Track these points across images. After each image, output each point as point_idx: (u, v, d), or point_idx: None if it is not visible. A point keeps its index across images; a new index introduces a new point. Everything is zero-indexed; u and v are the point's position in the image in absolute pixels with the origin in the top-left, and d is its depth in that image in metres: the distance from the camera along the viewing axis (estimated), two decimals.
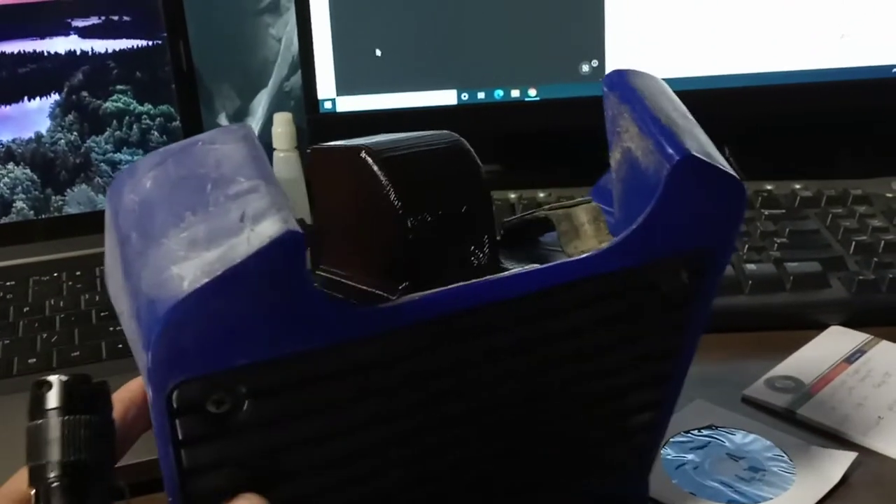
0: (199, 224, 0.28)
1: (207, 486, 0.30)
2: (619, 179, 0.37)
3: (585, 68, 0.77)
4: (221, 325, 0.27)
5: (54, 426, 0.29)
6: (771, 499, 0.45)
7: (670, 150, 0.34)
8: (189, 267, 0.27)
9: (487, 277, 0.33)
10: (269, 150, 0.78)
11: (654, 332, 0.39)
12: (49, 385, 0.29)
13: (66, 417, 0.29)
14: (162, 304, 0.26)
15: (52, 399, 0.29)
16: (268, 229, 0.27)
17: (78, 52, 0.72)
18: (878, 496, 0.47)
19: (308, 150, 0.39)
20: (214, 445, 0.30)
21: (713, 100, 0.78)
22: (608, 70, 0.77)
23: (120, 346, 0.57)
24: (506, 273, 0.34)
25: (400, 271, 0.33)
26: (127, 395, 0.33)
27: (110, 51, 0.72)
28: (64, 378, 0.29)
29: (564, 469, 0.41)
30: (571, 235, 0.36)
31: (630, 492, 0.44)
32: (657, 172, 0.34)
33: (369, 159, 0.33)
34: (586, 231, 0.35)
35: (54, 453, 0.28)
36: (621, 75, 0.38)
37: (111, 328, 0.59)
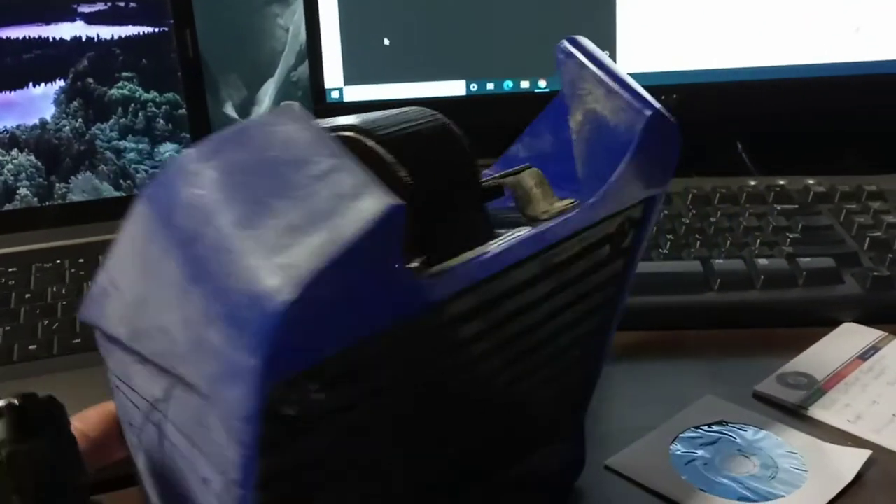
0: (291, 210, 0.26)
1: (284, 492, 0.29)
2: (581, 140, 0.39)
3: None
4: (332, 311, 0.26)
5: (8, 459, 0.28)
6: (783, 496, 0.44)
7: (642, 107, 0.36)
8: (296, 254, 0.25)
9: (524, 233, 0.33)
10: None
11: (603, 283, 0.40)
12: None
13: (16, 448, 0.28)
14: (275, 298, 0.24)
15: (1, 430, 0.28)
16: (369, 206, 0.25)
17: (83, 39, 0.71)
18: (893, 496, 0.45)
19: None
20: (298, 445, 0.28)
21: (725, 94, 0.77)
22: (619, 61, 0.76)
23: None
24: (538, 227, 0.34)
25: (416, 245, 0.32)
26: (81, 426, 0.33)
27: (116, 37, 0.72)
28: (9, 402, 0.28)
29: (511, 446, 0.41)
30: (525, 200, 0.36)
31: (571, 459, 0.45)
32: (630, 129, 0.36)
33: (367, 140, 0.33)
34: (536, 194, 0.36)
35: (11, 489, 0.28)
36: (577, 42, 0.40)
37: None
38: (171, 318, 0.27)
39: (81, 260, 0.65)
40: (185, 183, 0.27)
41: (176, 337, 0.27)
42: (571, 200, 0.35)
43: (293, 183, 0.26)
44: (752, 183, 0.72)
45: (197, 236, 0.26)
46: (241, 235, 0.25)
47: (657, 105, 0.37)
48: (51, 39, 0.70)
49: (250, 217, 0.26)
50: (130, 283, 0.28)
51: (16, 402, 0.28)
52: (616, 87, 0.37)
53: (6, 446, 0.28)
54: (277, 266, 0.25)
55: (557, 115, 0.40)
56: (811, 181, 0.73)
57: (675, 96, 0.76)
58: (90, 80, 0.71)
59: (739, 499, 0.44)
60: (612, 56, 0.76)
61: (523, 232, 0.34)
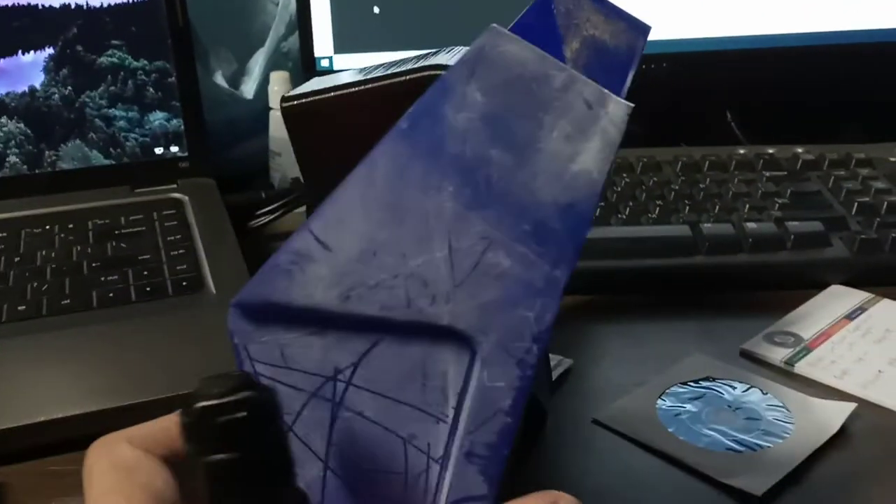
0: (558, 120, 0.27)
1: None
2: (578, 67, 0.40)
3: None
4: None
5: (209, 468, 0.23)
6: (769, 447, 0.45)
7: (640, 24, 0.39)
8: (585, 161, 0.27)
9: None
10: (266, 109, 0.77)
11: None
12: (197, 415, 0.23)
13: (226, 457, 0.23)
14: (586, 203, 0.26)
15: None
16: (618, 110, 0.28)
17: (73, 6, 0.71)
18: (878, 446, 0.46)
19: (291, 104, 0.38)
20: None
21: (716, 63, 0.77)
22: None
23: (111, 294, 0.56)
24: None
25: None
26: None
27: (105, 5, 0.71)
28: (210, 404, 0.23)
29: None
30: None
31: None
32: (631, 47, 0.38)
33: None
34: None
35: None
36: None
37: (102, 278, 0.58)
38: (426, 258, 0.26)
39: (71, 225, 0.65)
40: (454, 108, 0.27)
41: (431, 276, 0.26)
42: None
43: (545, 97, 0.28)
44: (742, 151, 0.73)
45: (480, 159, 0.26)
46: (529, 151, 0.27)
47: (646, 24, 0.40)
48: (40, 7, 0.70)
49: (528, 132, 0.27)
50: (354, 238, 0.27)
51: (249, 395, 0.23)
52: (614, 11, 0.39)
53: (213, 452, 0.23)
54: (578, 171, 0.26)
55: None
56: (800, 149, 0.73)
57: (664, 65, 0.76)
58: (79, 47, 0.71)
59: (726, 450, 0.45)
60: None
61: None
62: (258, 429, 0.23)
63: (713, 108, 0.83)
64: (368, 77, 0.37)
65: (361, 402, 0.28)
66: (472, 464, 0.27)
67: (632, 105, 0.27)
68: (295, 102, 0.37)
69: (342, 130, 0.37)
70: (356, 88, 0.36)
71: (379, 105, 0.36)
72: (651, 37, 0.85)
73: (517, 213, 0.26)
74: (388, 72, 0.37)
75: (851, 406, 0.47)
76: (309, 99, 0.37)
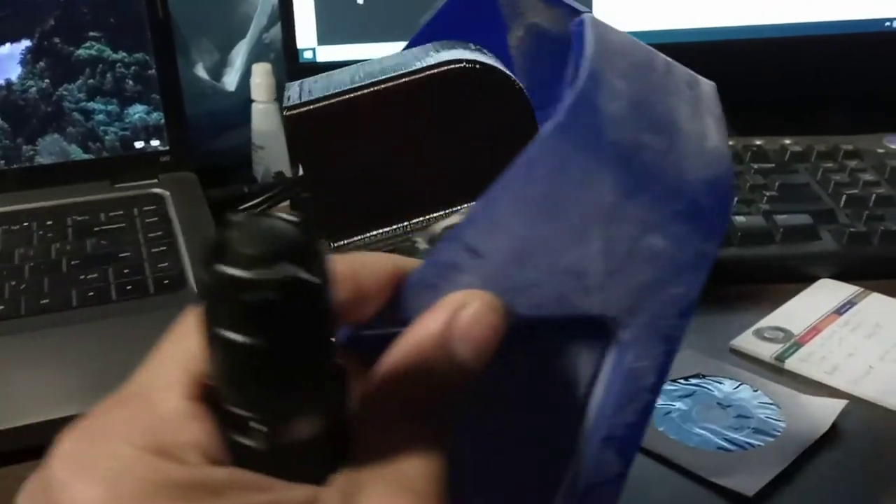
0: (679, 101, 0.28)
1: None
2: (521, 54, 0.40)
3: None
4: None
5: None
6: (760, 446, 0.44)
7: (580, 9, 0.40)
8: (713, 136, 0.28)
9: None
10: (248, 101, 0.76)
11: None
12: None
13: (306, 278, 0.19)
14: (726, 177, 0.27)
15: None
16: (708, 88, 0.29)
17: None
18: (869, 444, 0.46)
19: (298, 111, 0.36)
20: None
21: (702, 53, 0.76)
22: None
23: (91, 293, 0.55)
24: None
25: None
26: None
27: None
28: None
29: None
30: None
31: None
32: (569, 31, 0.40)
33: (509, 76, 0.34)
34: None
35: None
36: None
37: (82, 276, 0.57)
38: (582, 251, 0.26)
39: (49, 222, 0.63)
40: (607, 97, 0.27)
41: (585, 269, 0.26)
42: None
43: (659, 80, 0.28)
44: (730, 143, 0.72)
45: (636, 145, 0.26)
46: (673, 133, 0.27)
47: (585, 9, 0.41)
48: None
49: (667, 114, 0.27)
50: (507, 240, 0.26)
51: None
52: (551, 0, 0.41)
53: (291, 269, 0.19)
54: (711, 148, 0.27)
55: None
56: (788, 141, 0.72)
57: None
58: (57, 39, 0.70)
59: (717, 449, 0.44)
60: None
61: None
62: (295, 318, 0.19)
63: None
64: (384, 77, 0.35)
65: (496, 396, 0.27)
66: (609, 447, 0.27)
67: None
68: (303, 109, 0.35)
69: (356, 133, 0.36)
70: (373, 89, 0.35)
71: (402, 103, 0.35)
72: (635, 28, 0.85)
73: (671, 195, 0.26)
74: (402, 70, 0.35)
75: (842, 403, 0.47)
76: (321, 104, 0.35)
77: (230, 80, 0.81)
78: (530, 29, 0.39)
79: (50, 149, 0.70)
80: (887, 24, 0.76)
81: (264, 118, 0.75)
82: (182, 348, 0.22)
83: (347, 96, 0.35)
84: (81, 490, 0.20)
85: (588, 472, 0.27)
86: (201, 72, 0.80)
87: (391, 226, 0.36)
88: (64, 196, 0.67)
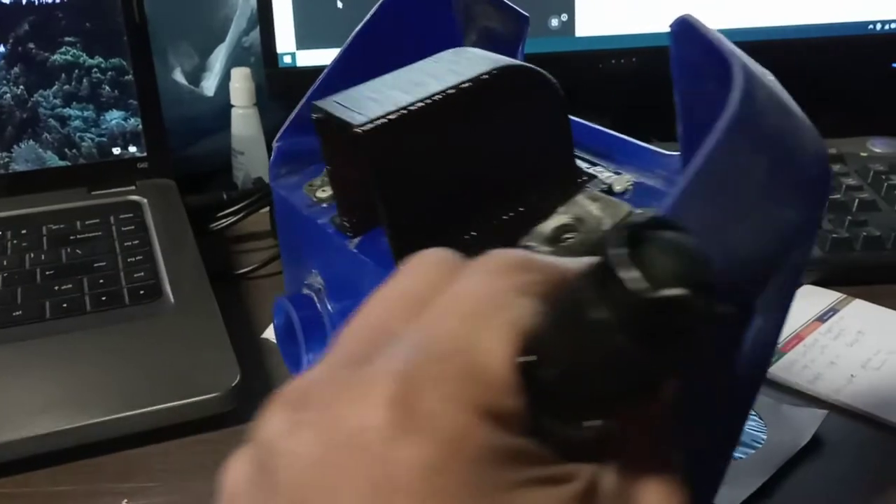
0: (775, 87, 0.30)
1: None
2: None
3: (555, 22, 0.75)
4: None
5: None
6: (742, 458, 0.44)
7: (522, 14, 0.44)
8: (806, 117, 0.30)
9: None
10: (227, 106, 0.75)
11: None
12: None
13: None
14: (824, 150, 0.29)
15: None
16: (769, 75, 0.30)
17: (24, 2, 0.68)
18: (851, 454, 0.45)
19: (371, 126, 0.34)
20: None
21: None
22: (578, 24, 0.75)
23: (65, 304, 0.54)
24: None
25: None
26: None
27: (58, 0, 0.69)
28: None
29: None
30: None
31: None
32: (519, 29, 0.43)
33: (546, 74, 0.36)
34: None
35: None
36: None
37: (56, 287, 0.56)
38: (746, 235, 0.27)
39: (24, 231, 0.62)
40: (759, 87, 0.28)
41: (746, 252, 0.27)
42: None
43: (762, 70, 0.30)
44: None
45: (779, 130, 0.28)
46: (792, 115, 0.29)
47: (526, 14, 0.45)
48: None
49: (785, 96, 0.29)
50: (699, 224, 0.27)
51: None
52: (500, 4, 0.44)
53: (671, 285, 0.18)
54: (811, 126, 0.29)
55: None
56: None
57: (634, 60, 0.75)
58: (31, 45, 0.69)
59: None
60: (571, 19, 0.75)
61: None
62: (692, 340, 0.19)
63: None
64: (445, 87, 0.35)
65: None
66: None
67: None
68: (377, 123, 0.34)
69: (426, 143, 0.35)
70: (444, 94, 0.35)
71: (470, 107, 0.35)
72: (620, 31, 0.84)
73: (799, 169, 0.28)
74: (461, 78, 0.35)
75: (823, 413, 0.46)
76: (392, 116, 0.34)
77: (209, 85, 0.80)
78: (482, 32, 0.41)
79: (25, 156, 0.69)
80: (871, 27, 0.76)
81: (244, 123, 0.75)
82: (512, 315, 0.21)
83: (417, 106, 0.34)
84: (410, 449, 0.18)
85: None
86: (179, 77, 0.79)
87: (463, 234, 0.36)
88: (39, 204, 0.66)
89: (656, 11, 0.75)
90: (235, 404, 0.48)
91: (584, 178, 0.39)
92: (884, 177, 0.67)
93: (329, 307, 0.42)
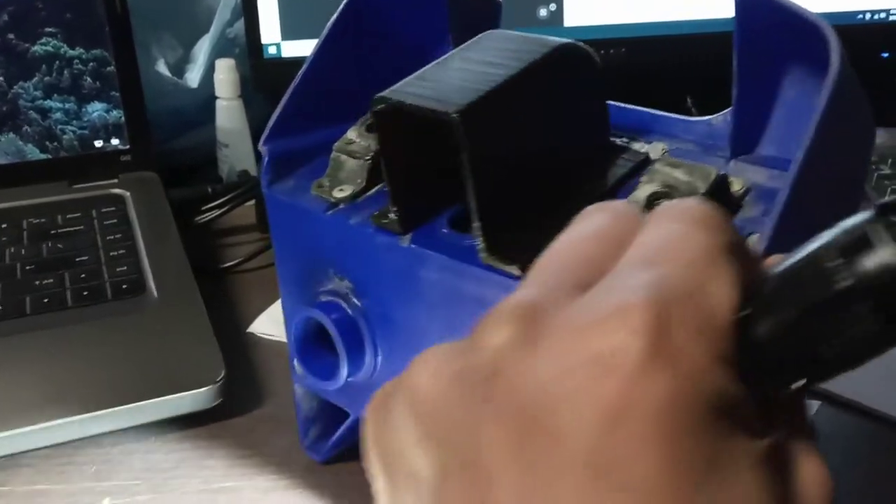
0: None
1: None
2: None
3: (543, 12, 0.74)
4: None
5: None
6: None
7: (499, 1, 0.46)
8: None
9: None
10: (212, 98, 0.74)
11: None
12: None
13: None
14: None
15: None
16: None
17: None
18: (842, 444, 0.45)
19: (461, 109, 0.32)
20: None
21: (674, 46, 0.75)
22: (567, 14, 0.74)
23: (46, 300, 0.53)
24: None
25: None
26: None
27: None
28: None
29: None
30: None
31: None
32: (495, 15, 0.45)
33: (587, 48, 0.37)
34: None
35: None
36: None
37: (37, 282, 0.55)
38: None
39: (4, 225, 0.61)
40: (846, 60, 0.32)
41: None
42: None
43: None
44: None
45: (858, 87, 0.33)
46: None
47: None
48: None
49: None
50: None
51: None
52: None
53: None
54: None
55: None
56: None
57: (623, 50, 0.74)
58: (11, 35, 0.68)
59: None
60: (560, 9, 0.74)
61: None
62: None
63: (673, 94, 0.81)
64: (517, 64, 0.34)
65: None
66: None
67: None
68: (471, 106, 0.32)
69: (514, 124, 0.35)
70: (523, 70, 0.34)
71: (542, 85, 0.35)
72: (609, 21, 0.83)
73: (866, 116, 0.33)
74: (528, 57, 0.35)
75: (815, 404, 0.46)
76: (483, 97, 0.33)
77: (193, 77, 0.79)
78: (467, 27, 0.40)
79: (5, 149, 0.68)
80: (860, 16, 0.76)
81: (229, 115, 0.74)
82: (732, 267, 0.20)
83: (500, 86, 0.33)
84: (659, 380, 0.18)
85: None
86: (163, 68, 0.78)
87: (545, 216, 0.35)
88: (20, 197, 0.65)
89: (645, 1, 0.74)
90: (221, 399, 0.47)
91: (619, 150, 0.38)
92: (873, 167, 0.67)
93: (363, 310, 0.38)
